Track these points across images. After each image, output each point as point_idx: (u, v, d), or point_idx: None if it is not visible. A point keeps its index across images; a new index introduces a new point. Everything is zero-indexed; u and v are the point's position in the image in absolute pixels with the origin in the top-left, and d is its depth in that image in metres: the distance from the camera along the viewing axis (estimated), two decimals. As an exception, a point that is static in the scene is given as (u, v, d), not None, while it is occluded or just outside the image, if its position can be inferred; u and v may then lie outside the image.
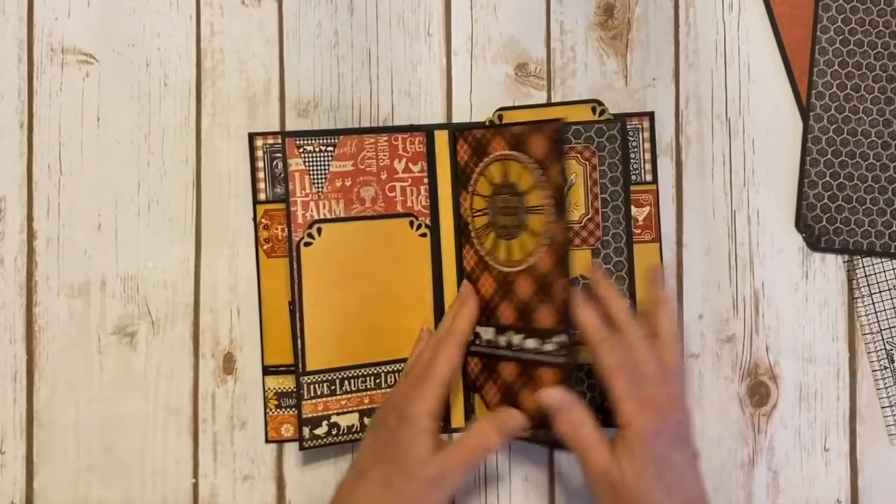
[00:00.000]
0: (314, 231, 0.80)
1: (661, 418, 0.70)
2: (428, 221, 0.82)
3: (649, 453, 0.69)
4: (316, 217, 0.80)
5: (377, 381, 0.81)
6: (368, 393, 0.80)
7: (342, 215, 0.80)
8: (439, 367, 0.74)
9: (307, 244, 0.80)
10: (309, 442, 0.79)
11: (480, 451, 0.73)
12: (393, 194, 0.81)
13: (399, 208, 0.81)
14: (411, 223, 0.82)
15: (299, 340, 0.79)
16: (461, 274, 0.82)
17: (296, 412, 0.80)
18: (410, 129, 0.83)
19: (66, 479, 0.82)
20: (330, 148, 0.80)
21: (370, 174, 0.81)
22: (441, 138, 0.82)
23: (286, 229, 0.80)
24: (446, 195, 0.82)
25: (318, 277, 0.80)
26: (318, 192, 0.80)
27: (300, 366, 0.79)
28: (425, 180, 0.82)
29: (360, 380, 0.80)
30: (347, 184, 0.80)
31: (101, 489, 0.82)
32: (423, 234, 0.82)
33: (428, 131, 0.82)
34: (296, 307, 0.79)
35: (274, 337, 0.81)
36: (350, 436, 0.80)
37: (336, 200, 0.80)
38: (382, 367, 0.81)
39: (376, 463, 0.73)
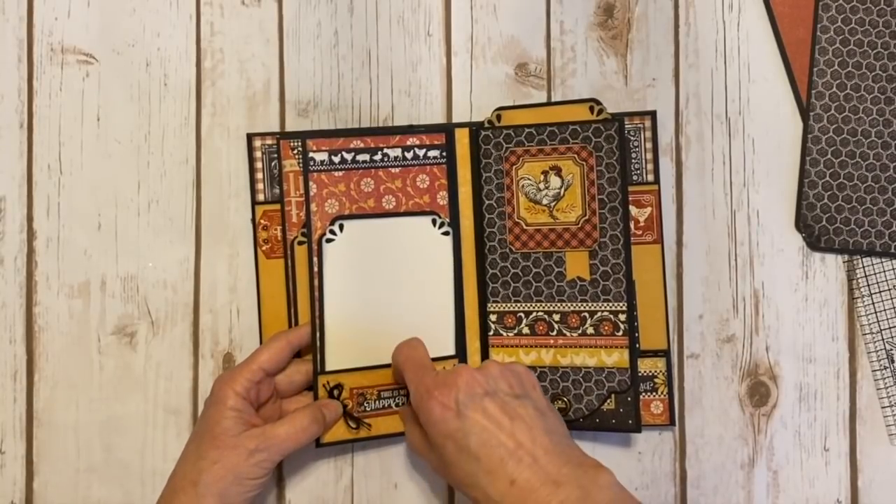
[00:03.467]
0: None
1: (443, 394, 0.72)
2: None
3: (442, 434, 0.71)
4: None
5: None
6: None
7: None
8: (260, 355, 0.77)
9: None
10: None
11: (297, 435, 0.76)
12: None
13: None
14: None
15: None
16: (481, 272, 0.82)
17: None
18: (428, 128, 0.83)
19: (66, 479, 0.82)
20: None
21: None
22: (461, 137, 0.82)
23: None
24: (466, 193, 0.82)
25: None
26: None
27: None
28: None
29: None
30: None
31: (101, 489, 0.82)
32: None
33: (448, 130, 0.82)
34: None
35: (273, 337, 0.81)
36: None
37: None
38: None
39: (192, 440, 0.76)
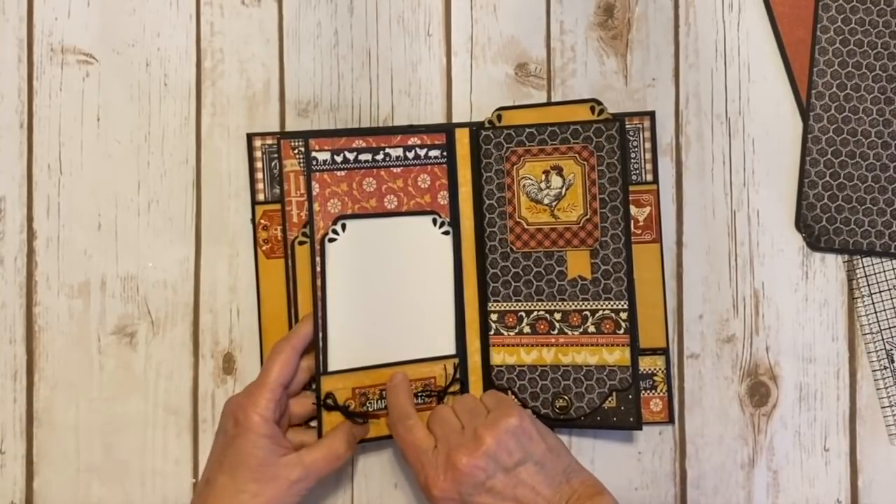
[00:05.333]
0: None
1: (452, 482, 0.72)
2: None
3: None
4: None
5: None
6: None
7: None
8: (272, 371, 0.76)
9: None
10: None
11: (334, 461, 0.76)
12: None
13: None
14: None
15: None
16: (481, 272, 0.82)
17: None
18: (429, 128, 0.83)
19: (66, 479, 0.82)
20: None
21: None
22: (461, 137, 0.82)
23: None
24: (466, 193, 0.82)
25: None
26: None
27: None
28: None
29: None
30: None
31: (101, 489, 0.82)
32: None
33: (448, 130, 0.82)
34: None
35: (273, 337, 0.80)
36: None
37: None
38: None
39: (221, 471, 0.74)
